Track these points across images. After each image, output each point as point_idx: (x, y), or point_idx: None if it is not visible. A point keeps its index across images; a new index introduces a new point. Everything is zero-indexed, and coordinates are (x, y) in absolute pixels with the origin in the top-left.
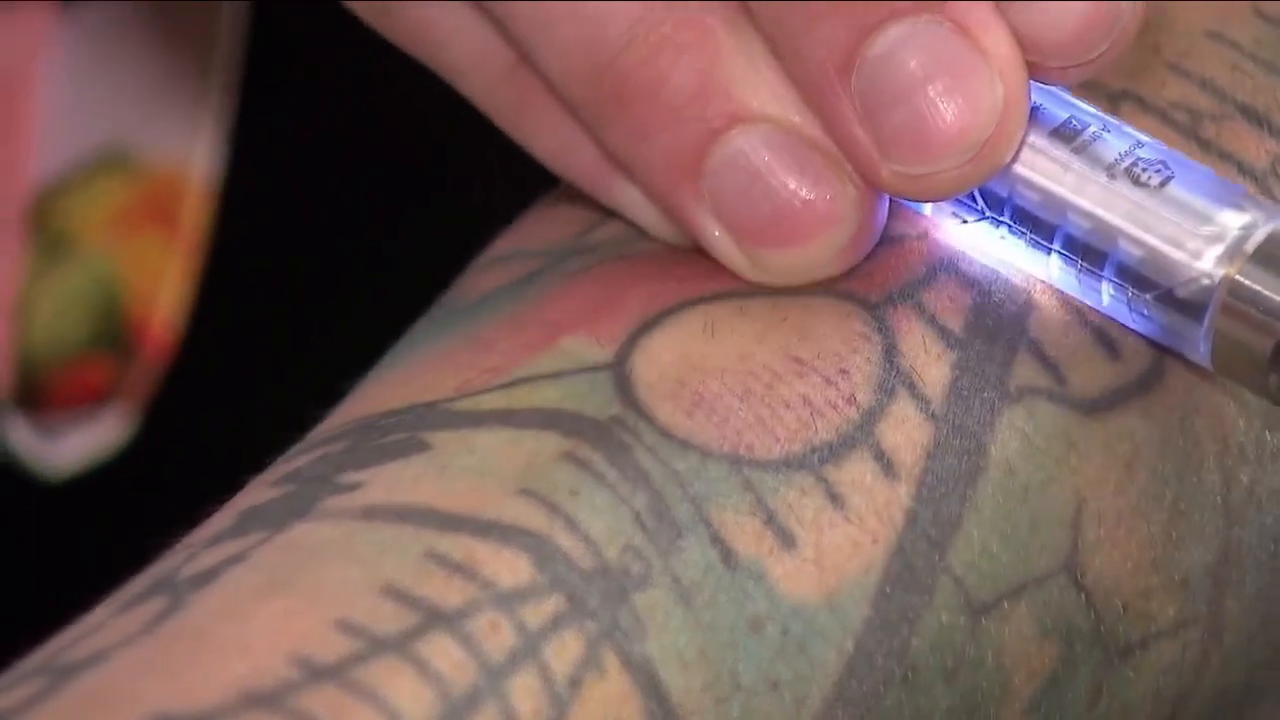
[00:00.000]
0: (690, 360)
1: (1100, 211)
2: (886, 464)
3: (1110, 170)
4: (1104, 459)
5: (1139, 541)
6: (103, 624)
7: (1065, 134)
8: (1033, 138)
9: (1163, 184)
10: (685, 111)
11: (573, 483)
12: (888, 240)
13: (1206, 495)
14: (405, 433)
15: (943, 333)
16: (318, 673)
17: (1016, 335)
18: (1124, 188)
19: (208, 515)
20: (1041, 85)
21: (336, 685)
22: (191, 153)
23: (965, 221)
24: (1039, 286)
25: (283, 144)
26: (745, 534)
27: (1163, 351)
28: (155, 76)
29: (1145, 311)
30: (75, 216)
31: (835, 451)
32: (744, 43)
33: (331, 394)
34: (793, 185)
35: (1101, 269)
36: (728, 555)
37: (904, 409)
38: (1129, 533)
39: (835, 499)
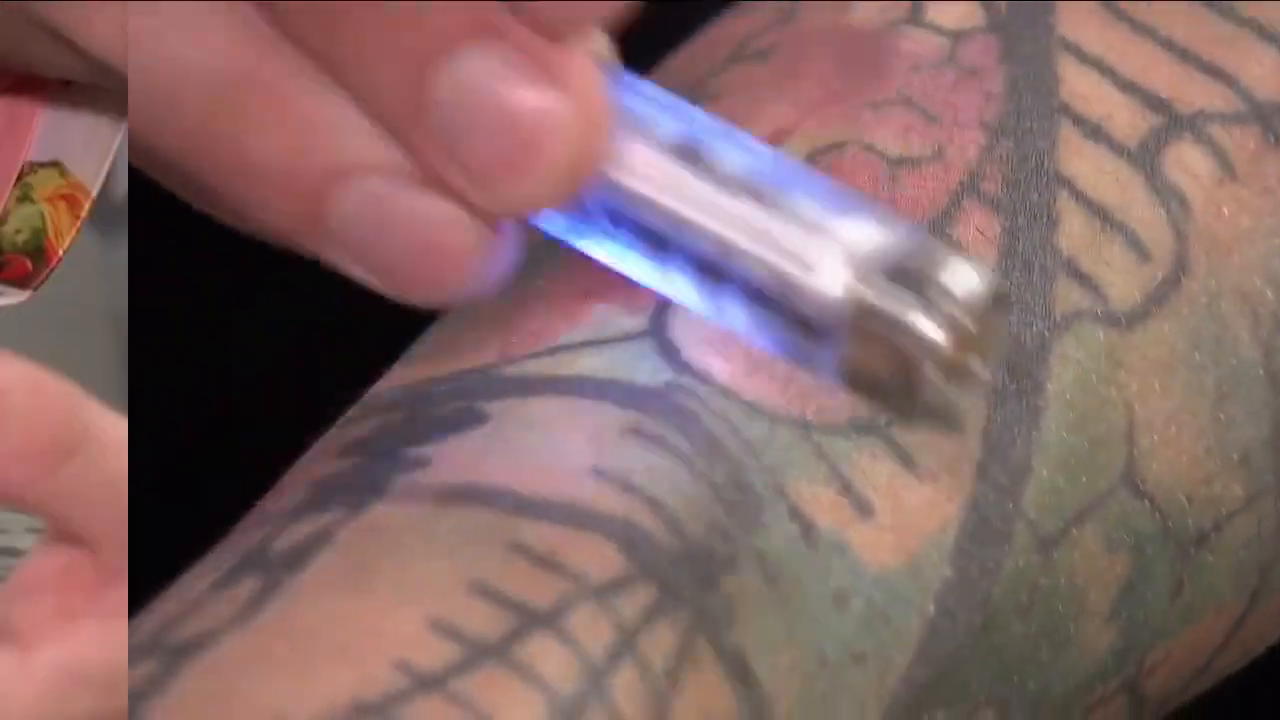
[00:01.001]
0: None
1: (717, 228)
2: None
3: (726, 184)
4: (1145, 368)
5: (1190, 435)
6: (201, 601)
7: (680, 148)
8: (643, 149)
9: (781, 197)
10: (285, 184)
11: (646, 459)
12: (906, 163)
13: (1247, 371)
14: (461, 401)
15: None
16: (423, 682)
17: (1051, 257)
18: (742, 203)
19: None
20: (660, 95)
21: (443, 697)
22: None
23: (584, 238)
24: (1060, 194)
25: None
26: (823, 505)
27: (1183, 239)
28: None
29: (776, 334)
30: None
31: None
32: (327, 99)
33: None
34: (418, 229)
35: (728, 288)
36: (808, 530)
37: None
38: (1180, 430)
39: (905, 460)
